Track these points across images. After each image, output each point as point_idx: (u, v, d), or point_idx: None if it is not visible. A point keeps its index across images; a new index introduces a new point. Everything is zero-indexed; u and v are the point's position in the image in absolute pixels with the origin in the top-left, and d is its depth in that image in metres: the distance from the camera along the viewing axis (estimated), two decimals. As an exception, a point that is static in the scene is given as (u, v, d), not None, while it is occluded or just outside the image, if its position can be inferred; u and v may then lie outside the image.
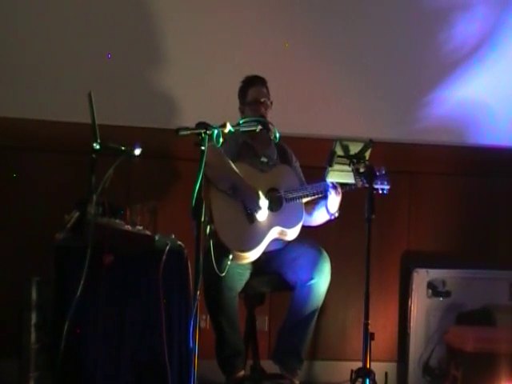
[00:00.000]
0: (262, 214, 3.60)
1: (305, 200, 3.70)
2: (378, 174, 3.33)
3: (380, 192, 3.39)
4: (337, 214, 3.70)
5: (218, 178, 3.58)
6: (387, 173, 3.40)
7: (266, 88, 3.87)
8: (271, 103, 3.85)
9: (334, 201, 3.64)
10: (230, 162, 3.63)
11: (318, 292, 3.64)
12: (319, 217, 3.78)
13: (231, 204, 3.60)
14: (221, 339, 3.61)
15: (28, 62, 4.15)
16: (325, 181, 3.54)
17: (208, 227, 3.40)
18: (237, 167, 3.65)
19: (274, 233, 3.63)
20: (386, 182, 3.43)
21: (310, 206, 3.76)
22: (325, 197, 3.66)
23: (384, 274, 4.44)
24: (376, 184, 3.32)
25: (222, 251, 3.46)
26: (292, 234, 3.66)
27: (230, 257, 3.49)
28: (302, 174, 3.91)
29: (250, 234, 3.58)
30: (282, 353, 3.70)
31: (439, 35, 4.50)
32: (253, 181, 3.64)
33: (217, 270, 3.37)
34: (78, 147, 3.70)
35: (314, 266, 3.63)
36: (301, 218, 3.66)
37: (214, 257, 3.28)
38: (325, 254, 3.70)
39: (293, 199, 3.66)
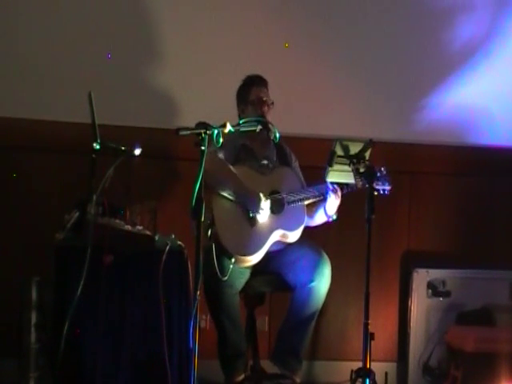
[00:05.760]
0: (264, 216, 3.59)
1: (306, 202, 3.70)
2: (378, 174, 3.33)
3: (381, 193, 3.39)
4: (335, 217, 3.70)
5: (217, 184, 3.56)
6: (388, 173, 3.41)
7: (267, 89, 3.87)
8: (272, 103, 3.85)
9: (332, 203, 3.65)
10: (230, 166, 3.62)
11: (318, 295, 3.64)
12: (318, 218, 3.78)
13: (232, 208, 3.59)
14: (223, 338, 3.60)
15: (28, 62, 4.14)
16: (325, 183, 3.54)
17: (209, 230, 3.41)
18: (236, 171, 3.64)
19: (275, 236, 3.62)
20: (386, 183, 3.45)
21: (310, 209, 3.76)
22: (324, 199, 3.67)
23: (384, 274, 4.43)
24: (377, 185, 3.32)
25: (224, 255, 3.46)
26: (293, 236, 3.66)
27: (233, 260, 3.48)
28: (301, 174, 3.90)
29: (251, 238, 3.57)
30: (280, 353, 3.69)
31: (440, 36, 4.49)
32: (254, 184, 3.62)
33: (219, 275, 3.38)
34: (78, 147, 3.71)
35: (314, 268, 3.63)
36: (302, 221, 3.66)
37: (216, 261, 3.31)
38: (325, 256, 3.69)
39: (294, 202, 3.66)
